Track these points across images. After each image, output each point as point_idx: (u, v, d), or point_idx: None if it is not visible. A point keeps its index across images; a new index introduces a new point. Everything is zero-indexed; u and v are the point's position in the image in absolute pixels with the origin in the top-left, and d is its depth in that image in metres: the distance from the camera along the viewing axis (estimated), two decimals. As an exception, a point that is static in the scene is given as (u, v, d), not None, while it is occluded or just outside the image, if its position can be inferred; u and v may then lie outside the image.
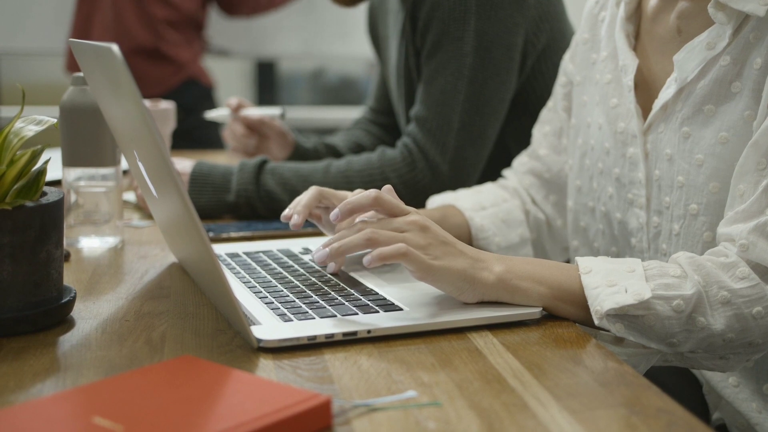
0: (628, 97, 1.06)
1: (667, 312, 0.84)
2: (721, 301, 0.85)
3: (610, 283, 0.85)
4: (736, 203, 0.91)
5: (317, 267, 1.02)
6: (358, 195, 0.90)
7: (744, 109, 0.94)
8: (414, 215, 0.89)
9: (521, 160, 1.27)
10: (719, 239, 0.91)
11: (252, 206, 1.33)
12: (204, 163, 1.36)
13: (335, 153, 1.62)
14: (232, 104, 1.63)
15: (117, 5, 2.69)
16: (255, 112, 1.62)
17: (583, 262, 0.89)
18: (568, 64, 1.22)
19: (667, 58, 1.02)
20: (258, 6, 2.97)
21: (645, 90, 1.06)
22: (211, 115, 1.65)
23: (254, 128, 1.62)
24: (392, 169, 1.37)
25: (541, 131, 1.25)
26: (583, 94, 1.16)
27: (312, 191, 1.04)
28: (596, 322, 0.85)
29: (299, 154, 1.60)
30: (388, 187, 0.95)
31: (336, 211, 0.90)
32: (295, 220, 1.01)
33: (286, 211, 1.03)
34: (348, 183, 1.35)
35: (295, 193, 1.28)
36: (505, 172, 1.30)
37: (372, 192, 0.89)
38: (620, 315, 0.84)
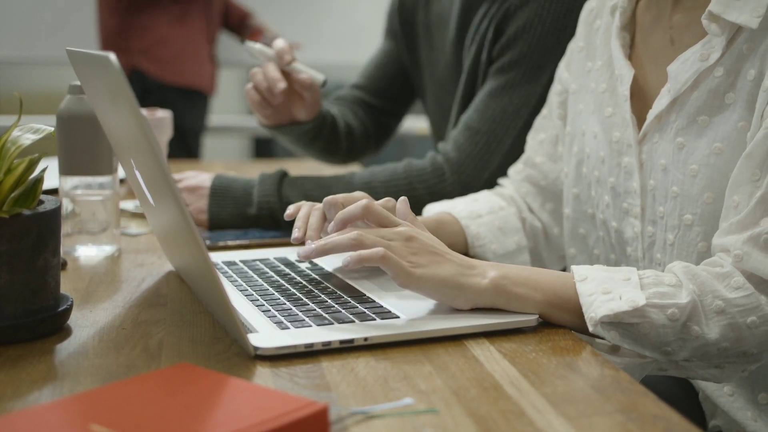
0: (623, 107, 1.06)
1: (662, 320, 0.84)
2: (715, 311, 0.86)
3: (604, 291, 0.85)
4: (730, 214, 0.92)
5: (314, 275, 1.03)
6: (351, 205, 0.93)
7: (738, 120, 0.94)
8: (403, 227, 0.90)
9: (517, 168, 1.27)
10: (714, 250, 0.92)
11: (274, 218, 1.31)
12: (223, 176, 1.34)
13: (333, 125, 1.53)
14: (283, 49, 1.38)
15: None
16: (303, 69, 1.39)
17: (579, 270, 0.89)
18: (563, 72, 1.22)
19: (661, 69, 1.03)
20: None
21: (640, 100, 1.06)
22: (255, 46, 1.40)
23: (292, 83, 1.41)
24: (420, 180, 1.34)
25: (535, 139, 1.26)
26: (579, 102, 1.16)
27: (317, 214, 1.03)
28: (591, 329, 0.85)
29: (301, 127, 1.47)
30: (403, 198, 0.97)
31: (332, 224, 0.93)
32: (308, 248, 0.91)
33: (298, 234, 1.00)
34: (373, 194, 1.31)
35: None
36: (502, 180, 1.30)
37: (363, 201, 0.92)
38: (615, 322, 0.85)
